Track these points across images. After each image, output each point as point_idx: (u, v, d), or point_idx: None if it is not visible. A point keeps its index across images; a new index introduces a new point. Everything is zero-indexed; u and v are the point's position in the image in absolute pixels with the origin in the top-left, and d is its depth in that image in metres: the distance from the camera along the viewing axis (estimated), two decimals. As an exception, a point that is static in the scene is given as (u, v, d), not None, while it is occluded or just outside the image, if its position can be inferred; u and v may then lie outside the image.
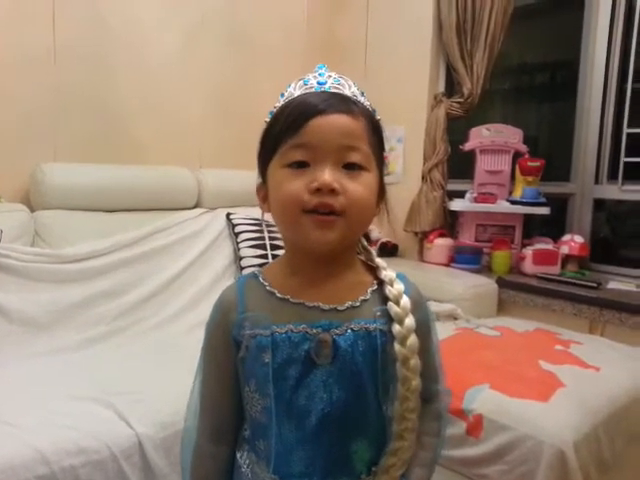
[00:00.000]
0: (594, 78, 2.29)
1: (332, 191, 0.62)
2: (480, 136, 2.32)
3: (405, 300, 0.66)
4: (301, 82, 0.69)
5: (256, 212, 2.09)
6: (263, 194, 0.71)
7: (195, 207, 2.11)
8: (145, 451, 1.09)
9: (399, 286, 0.67)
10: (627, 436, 1.34)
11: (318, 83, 0.68)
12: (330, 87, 0.67)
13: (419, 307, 0.69)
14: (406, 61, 2.44)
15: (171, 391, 1.22)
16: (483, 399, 1.28)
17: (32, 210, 1.76)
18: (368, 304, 0.67)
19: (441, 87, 2.43)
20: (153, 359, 1.45)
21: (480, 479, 1.25)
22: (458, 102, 2.30)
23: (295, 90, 0.68)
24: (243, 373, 0.69)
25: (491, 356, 1.47)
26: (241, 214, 2.10)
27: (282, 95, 0.70)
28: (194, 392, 0.74)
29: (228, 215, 2.08)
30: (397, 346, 0.65)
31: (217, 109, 2.33)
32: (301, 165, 0.64)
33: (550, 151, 2.62)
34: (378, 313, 0.67)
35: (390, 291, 0.67)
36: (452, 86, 2.40)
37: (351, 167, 0.64)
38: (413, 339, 0.65)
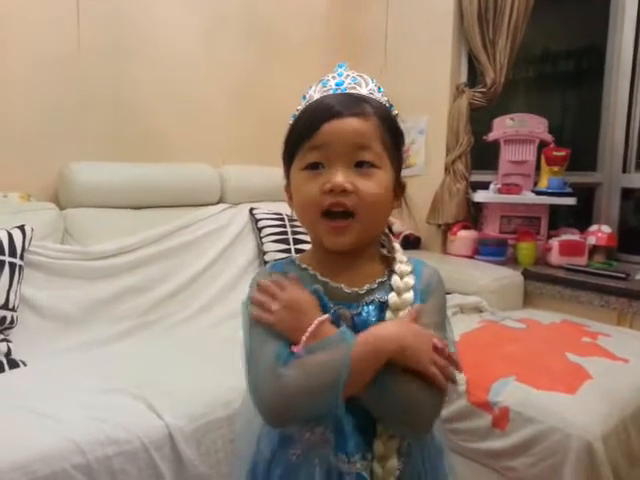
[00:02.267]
0: (621, 64, 2.24)
1: (344, 191, 0.66)
2: (504, 126, 2.29)
3: (409, 278, 0.70)
4: (320, 84, 0.72)
5: (278, 207, 2.14)
6: (289, 194, 0.75)
7: (218, 203, 2.13)
8: (175, 442, 1.11)
9: (407, 267, 0.72)
10: (658, 429, 1.32)
11: (336, 84, 0.71)
12: (347, 87, 0.70)
13: (429, 285, 0.73)
14: (427, 52, 2.42)
15: (200, 383, 1.26)
16: (509, 392, 1.27)
17: (61, 208, 1.80)
18: (384, 283, 0.72)
19: (463, 77, 2.40)
20: (181, 353, 1.48)
21: (506, 471, 1.25)
22: (481, 92, 2.28)
23: (315, 92, 0.72)
24: None
25: (517, 348, 1.46)
26: (264, 209, 2.11)
27: (304, 97, 0.73)
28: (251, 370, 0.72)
29: (251, 210, 2.10)
30: (388, 314, 0.69)
31: (238, 105, 2.35)
32: (316, 167, 0.68)
33: (576, 140, 2.57)
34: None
35: (399, 267, 0.71)
36: (474, 76, 2.37)
37: (363, 165, 0.68)
38: (405, 313, 0.68)
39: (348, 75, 0.72)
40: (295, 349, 0.65)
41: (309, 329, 0.65)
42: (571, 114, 2.72)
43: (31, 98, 1.84)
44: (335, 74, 0.73)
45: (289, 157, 0.72)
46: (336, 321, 0.68)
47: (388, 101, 0.73)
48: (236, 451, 0.77)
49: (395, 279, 0.70)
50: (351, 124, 0.67)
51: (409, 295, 0.69)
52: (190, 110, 2.21)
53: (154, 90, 2.11)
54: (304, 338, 0.64)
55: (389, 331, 0.66)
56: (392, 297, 0.69)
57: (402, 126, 0.74)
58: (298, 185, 0.70)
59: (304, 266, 0.74)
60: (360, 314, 0.70)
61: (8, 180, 1.76)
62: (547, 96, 2.73)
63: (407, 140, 2.48)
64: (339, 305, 0.70)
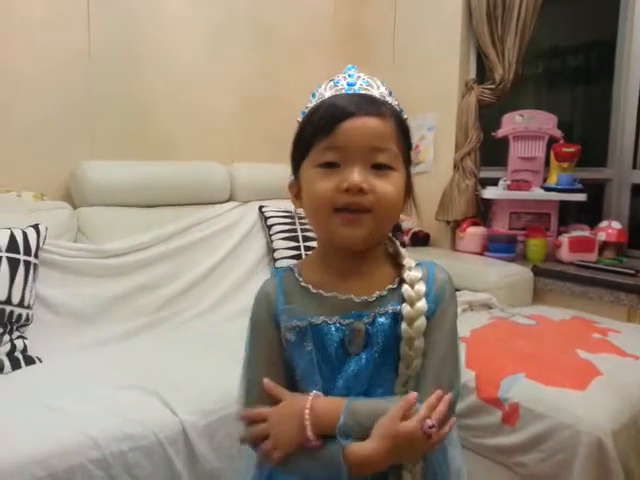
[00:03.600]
0: (632, 59, 2.22)
1: (360, 190, 0.65)
2: (513, 122, 2.29)
3: (420, 285, 0.70)
4: (331, 83, 0.72)
5: (288, 205, 2.14)
6: (295, 191, 0.74)
7: (228, 201, 2.15)
8: (189, 437, 1.13)
9: (417, 273, 0.71)
10: (668, 425, 1.32)
11: (348, 84, 0.70)
12: (359, 88, 0.70)
13: (444, 290, 0.72)
14: (435, 48, 2.41)
15: (212, 379, 1.27)
16: (519, 388, 1.28)
17: (74, 207, 1.83)
18: (395, 291, 0.71)
19: (472, 74, 2.40)
20: (193, 349, 1.50)
21: (516, 467, 1.26)
22: (489, 89, 2.27)
23: (326, 91, 0.71)
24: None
25: (527, 345, 1.47)
26: (273, 207, 2.13)
27: (313, 95, 0.73)
28: (245, 383, 0.77)
29: (260, 208, 2.12)
30: (404, 325, 0.68)
31: (246, 103, 2.36)
32: (332, 165, 0.67)
33: (585, 136, 2.56)
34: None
35: (408, 275, 0.70)
36: (483, 72, 2.37)
37: (379, 167, 0.67)
38: (421, 322, 0.68)
39: (359, 77, 0.72)
40: (310, 443, 0.66)
41: (307, 427, 0.65)
42: (581, 109, 2.71)
43: (43, 99, 1.86)
44: (346, 75, 0.72)
45: (299, 154, 0.72)
46: (350, 335, 0.69)
47: (398, 105, 0.73)
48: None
49: (406, 288, 0.69)
50: (369, 124, 0.67)
51: (422, 304, 0.69)
52: (199, 109, 2.22)
53: (164, 90, 2.12)
54: (309, 431, 0.65)
55: (375, 456, 0.64)
56: (405, 308, 0.68)
57: (411, 128, 0.75)
58: (311, 181, 0.69)
59: (304, 284, 0.73)
60: (373, 324, 0.69)
61: (22, 180, 1.79)
62: (556, 91, 2.72)
63: (416, 137, 2.49)
64: (350, 318, 0.69)
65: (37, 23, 1.83)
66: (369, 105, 0.68)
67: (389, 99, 0.72)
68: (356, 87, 0.70)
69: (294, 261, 2.01)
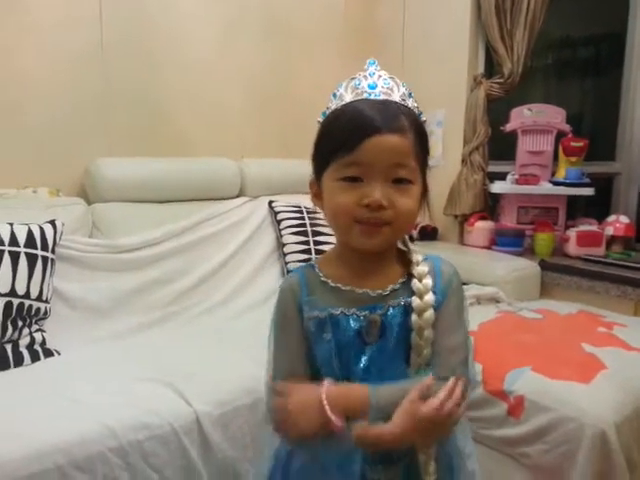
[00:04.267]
0: (642, 52, 2.22)
1: (380, 207, 0.69)
2: (521, 116, 2.29)
3: (428, 279, 0.73)
4: (352, 84, 0.73)
5: (297, 199, 2.18)
6: (315, 190, 0.77)
7: (238, 196, 2.17)
8: (203, 427, 1.17)
9: (424, 268, 0.75)
10: (672, 418, 1.34)
11: (369, 87, 0.72)
12: (380, 92, 0.71)
13: (450, 282, 0.76)
14: (444, 43, 2.42)
15: (225, 371, 1.32)
16: (524, 381, 1.30)
17: (88, 203, 1.87)
18: (406, 284, 0.75)
19: (480, 68, 2.40)
20: (206, 342, 1.54)
21: (521, 458, 1.28)
22: (498, 83, 2.28)
23: (346, 92, 0.73)
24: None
25: (533, 339, 1.49)
26: (283, 202, 2.15)
27: (334, 95, 0.74)
28: (273, 372, 0.79)
29: (270, 203, 2.14)
30: (414, 317, 0.72)
31: (257, 99, 2.38)
32: (354, 179, 0.70)
33: (594, 129, 2.56)
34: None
35: (416, 270, 0.74)
36: (492, 67, 2.37)
37: (400, 181, 0.70)
38: (430, 313, 0.72)
39: (380, 76, 0.73)
40: (335, 429, 0.67)
41: (327, 411, 0.67)
42: (590, 102, 2.70)
43: (57, 97, 1.90)
44: (366, 73, 0.73)
45: (321, 161, 0.74)
46: (367, 326, 0.73)
47: (417, 107, 0.74)
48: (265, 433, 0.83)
49: (415, 282, 0.73)
50: (391, 142, 0.69)
51: (430, 297, 0.72)
52: (211, 106, 2.25)
53: (176, 87, 2.15)
54: (329, 414, 0.67)
55: (393, 435, 0.66)
56: (415, 300, 0.72)
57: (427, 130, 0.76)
58: (333, 194, 0.72)
59: (323, 279, 0.77)
60: (387, 315, 0.73)
61: (38, 176, 1.83)
62: (566, 84, 2.71)
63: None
64: (366, 310, 0.73)
65: (50, 22, 1.86)
66: (391, 119, 0.69)
67: (409, 102, 0.73)
68: (377, 91, 0.71)
69: (303, 256, 2.03)
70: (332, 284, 0.76)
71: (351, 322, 0.73)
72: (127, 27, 2.02)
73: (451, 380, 0.67)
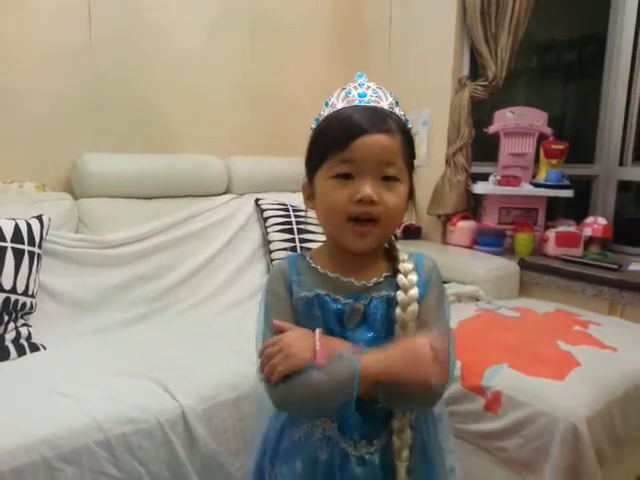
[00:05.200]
0: (621, 55, 2.25)
1: (371, 202, 0.73)
2: (504, 119, 2.34)
3: (412, 275, 0.78)
4: (343, 93, 0.78)
5: (283, 197, 2.20)
6: (308, 193, 0.82)
7: (225, 193, 2.19)
8: (188, 421, 1.19)
9: (409, 265, 0.79)
10: (641, 413, 1.40)
11: (359, 95, 0.77)
12: (370, 100, 0.76)
13: (430, 276, 0.81)
14: (430, 45, 2.45)
15: (210, 366, 1.34)
16: (502, 377, 1.34)
17: (75, 198, 1.87)
18: (389, 278, 0.79)
19: (465, 71, 2.44)
20: (191, 337, 1.56)
21: (497, 451, 1.33)
22: (482, 85, 2.32)
23: (338, 101, 0.78)
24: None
25: (511, 337, 1.53)
26: (269, 199, 2.17)
27: (326, 104, 0.79)
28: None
29: (257, 201, 2.16)
30: (398, 310, 0.76)
31: (244, 97, 2.40)
32: (346, 177, 0.74)
33: (575, 132, 2.61)
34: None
35: (402, 266, 0.79)
36: (476, 69, 2.41)
37: (388, 179, 0.75)
38: (414, 307, 0.76)
39: (369, 87, 0.78)
40: (318, 361, 0.71)
41: (317, 345, 0.72)
42: (572, 105, 2.75)
43: (45, 92, 1.90)
44: (356, 84, 0.79)
45: (314, 162, 0.78)
46: (350, 314, 0.77)
47: (404, 115, 0.79)
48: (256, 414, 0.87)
49: (400, 278, 0.77)
50: (380, 141, 0.74)
51: (414, 291, 0.76)
52: (198, 103, 2.26)
53: (164, 84, 2.16)
54: (318, 349, 0.71)
55: (383, 362, 0.71)
56: (400, 295, 0.76)
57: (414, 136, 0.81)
58: (326, 191, 0.76)
59: (313, 265, 0.81)
60: (370, 305, 0.77)
61: (24, 170, 1.84)
62: (549, 87, 2.75)
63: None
64: (350, 298, 0.78)
65: (39, 15, 1.86)
66: (380, 122, 0.74)
67: (396, 110, 0.78)
68: (367, 99, 0.77)
69: (288, 253, 2.06)
70: (321, 270, 0.80)
71: (334, 305, 0.77)
72: (115, 23, 2.03)
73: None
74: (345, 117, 0.75)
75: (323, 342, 0.73)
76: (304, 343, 0.73)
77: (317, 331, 0.74)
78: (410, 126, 0.80)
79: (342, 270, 0.80)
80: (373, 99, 0.77)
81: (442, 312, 0.80)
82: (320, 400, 0.73)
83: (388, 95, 0.78)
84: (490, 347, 1.48)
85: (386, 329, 0.77)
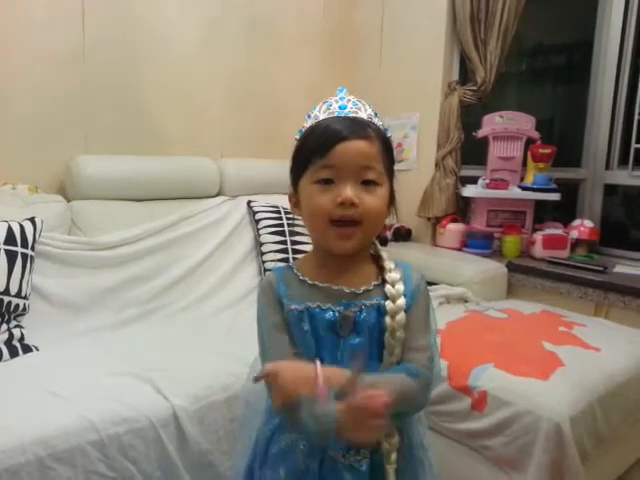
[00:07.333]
0: (607, 60, 2.29)
1: (352, 204, 0.76)
2: (493, 123, 2.37)
3: (399, 285, 0.81)
4: (325, 106, 0.82)
5: (275, 199, 2.23)
6: (295, 201, 0.85)
7: (217, 195, 2.21)
8: (180, 421, 1.21)
9: (396, 274, 0.82)
10: (623, 412, 1.43)
11: (339, 107, 0.81)
12: (349, 112, 0.80)
13: (418, 287, 0.83)
14: (421, 50, 2.49)
15: (201, 367, 1.36)
16: (488, 377, 1.37)
17: (68, 200, 1.88)
18: (378, 287, 0.82)
19: (455, 75, 2.48)
20: (183, 339, 1.57)
21: (483, 450, 1.36)
22: (472, 90, 2.35)
23: (320, 113, 0.81)
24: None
25: (497, 337, 1.56)
26: (261, 202, 2.20)
27: (309, 116, 0.83)
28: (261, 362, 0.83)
29: (249, 203, 2.18)
30: (387, 319, 0.79)
31: (237, 100, 2.42)
32: (327, 182, 0.77)
33: (563, 136, 2.65)
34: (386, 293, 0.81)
35: (389, 276, 0.82)
36: (466, 74, 2.45)
37: (368, 183, 0.78)
38: (402, 316, 0.79)
39: (349, 100, 0.82)
40: (320, 398, 0.67)
41: (319, 380, 0.67)
42: (560, 109, 2.79)
43: (38, 94, 1.91)
44: (337, 97, 0.83)
45: (298, 170, 0.81)
46: (340, 322, 0.79)
47: (383, 125, 0.83)
48: (246, 418, 0.89)
49: (388, 288, 0.80)
50: (359, 146, 0.77)
51: (401, 301, 0.80)
52: (191, 105, 2.28)
53: (157, 86, 2.18)
54: (320, 384, 0.67)
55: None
56: (388, 304, 0.79)
57: (393, 144, 0.85)
58: (309, 196, 0.79)
59: (302, 277, 0.83)
60: (361, 313, 0.80)
61: (17, 172, 1.84)
62: (537, 91, 2.79)
63: (400, 135, 2.57)
64: (340, 306, 0.80)
65: (32, 20, 1.87)
66: (359, 129, 0.78)
67: (375, 120, 0.82)
68: (347, 110, 0.80)
69: (281, 255, 2.08)
70: (310, 282, 0.82)
71: (326, 315, 0.80)
72: (109, 25, 2.04)
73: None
74: (325, 126, 0.79)
75: (324, 373, 0.69)
76: (301, 375, 0.70)
77: (318, 361, 0.70)
78: (389, 135, 0.83)
79: (331, 277, 0.82)
80: (353, 110, 0.80)
81: (429, 322, 0.84)
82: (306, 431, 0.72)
83: (367, 107, 0.82)
84: (477, 347, 1.51)
85: (376, 337, 0.80)
